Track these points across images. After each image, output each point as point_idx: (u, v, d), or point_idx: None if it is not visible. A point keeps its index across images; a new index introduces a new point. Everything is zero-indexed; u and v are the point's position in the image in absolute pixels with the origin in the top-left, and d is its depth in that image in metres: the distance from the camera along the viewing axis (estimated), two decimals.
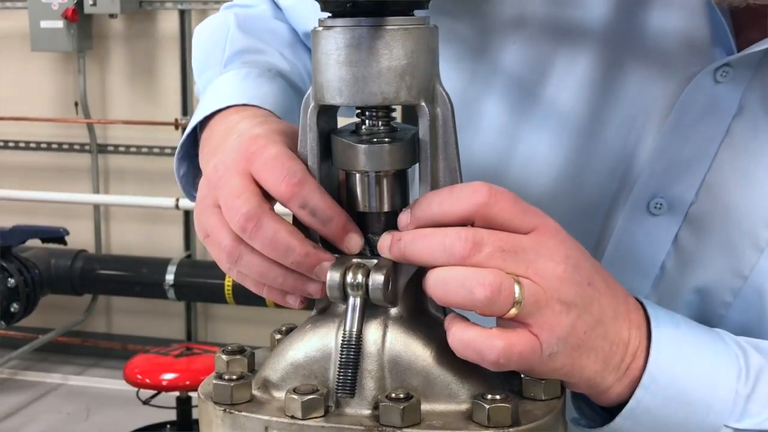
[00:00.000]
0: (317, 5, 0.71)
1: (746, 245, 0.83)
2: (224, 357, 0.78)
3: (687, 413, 0.75)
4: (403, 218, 0.73)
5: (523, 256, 0.69)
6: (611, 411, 0.78)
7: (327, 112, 0.76)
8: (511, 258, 0.69)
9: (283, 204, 0.75)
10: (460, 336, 0.69)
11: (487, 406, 0.68)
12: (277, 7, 1.14)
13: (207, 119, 0.94)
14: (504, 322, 0.70)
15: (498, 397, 0.69)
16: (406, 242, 0.71)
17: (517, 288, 0.68)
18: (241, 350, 0.79)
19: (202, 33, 1.12)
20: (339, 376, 0.70)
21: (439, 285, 0.69)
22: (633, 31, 0.87)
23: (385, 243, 0.73)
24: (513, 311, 0.68)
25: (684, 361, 0.75)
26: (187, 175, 1.01)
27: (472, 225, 0.70)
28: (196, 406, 3.80)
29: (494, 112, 0.93)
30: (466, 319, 0.71)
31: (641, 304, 0.78)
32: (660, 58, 0.86)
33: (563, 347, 0.70)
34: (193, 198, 1.02)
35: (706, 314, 0.86)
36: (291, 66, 1.05)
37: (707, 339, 0.78)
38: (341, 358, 0.70)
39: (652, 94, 0.86)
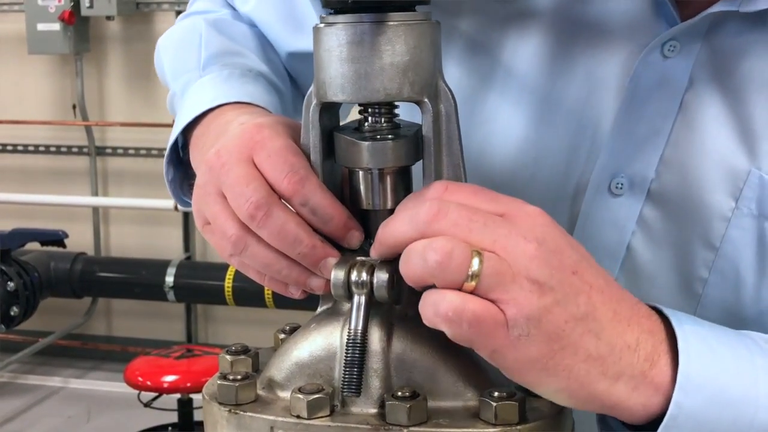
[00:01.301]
0: (278, 10, 0.70)
1: (712, 216, 0.83)
2: (228, 357, 0.77)
3: (734, 414, 0.69)
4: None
5: (492, 228, 0.65)
6: (648, 428, 0.71)
7: (329, 109, 0.76)
8: (478, 229, 0.65)
9: (284, 199, 0.75)
10: (424, 298, 0.66)
11: (494, 404, 0.68)
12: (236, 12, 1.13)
13: (195, 121, 0.93)
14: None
15: (505, 394, 0.68)
16: (381, 229, 0.70)
17: (476, 260, 0.64)
18: (245, 350, 0.78)
19: (170, 39, 1.09)
20: (345, 375, 0.70)
21: (403, 261, 0.66)
22: (579, 10, 0.87)
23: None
24: (471, 283, 0.64)
25: (716, 357, 0.70)
26: (175, 179, 1.00)
27: None
28: (198, 407, 3.82)
29: (456, 76, 0.91)
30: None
31: (656, 311, 0.72)
32: (606, 36, 0.86)
33: (536, 332, 0.64)
34: (182, 202, 1.01)
35: (685, 294, 0.84)
36: (265, 68, 1.04)
37: (733, 336, 0.73)
38: (347, 356, 0.70)
39: (603, 72, 0.86)
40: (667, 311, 0.72)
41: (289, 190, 0.73)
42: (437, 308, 0.65)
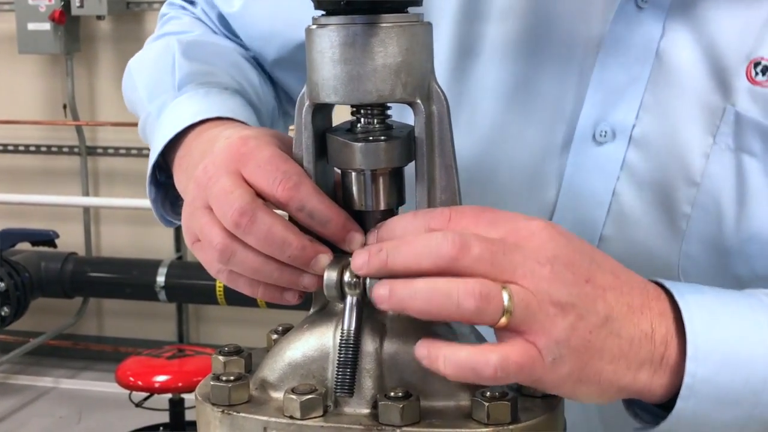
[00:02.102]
0: (268, 7, 0.70)
1: (693, 154, 0.86)
2: (221, 358, 0.77)
3: (746, 373, 0.72)
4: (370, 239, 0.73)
5: (510, 258, 0.67)
6: (668, 406, 0.74)
7: (322, 111, 0.76)
8: (500, 260, 0.67)
9: (279, 207, 0.74)
10: (454, 359, 0.66)
11: (486, 404, 0.68)
12: (213, 21, 1.13)
13: (174, 143, 0.92)
14: (500, 333, 0.68)
15: (497, 394, 0.69)
16: (389, 251, 0.68)
17: (505, 295, 0.66)
18: (237, 351, 0.78)
19: (143, 61, 1.09)
20: (338, 375, 0.70)
21: (420, 298, 0.66)
22: None
23: (360, 260, 0.70)
24: (503, 320, 0.66)
25: (721, 323, 0.73)
26: (156, 199, 0.99)
27: None
28: (189, 408, 3.81)
29: (445, 38, 0.94)
30: (447, 337, 0.71)
31: (661, 286, 0.75)
32: None
33: (566, 351, 0.67)
34: (166, 222, 1.01)
35: (670, 231, 0.88)
36: (240, 86, 1.03)
37: (736, 297, 0.76)
38: (340, 357, 0.70)
39: (582, 27, 0.90)
40: (668, 285, 0.74)
41: (285, 196, 0.73)
42: (480, 374, 0.66)
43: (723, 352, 0.72)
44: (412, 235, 0.69)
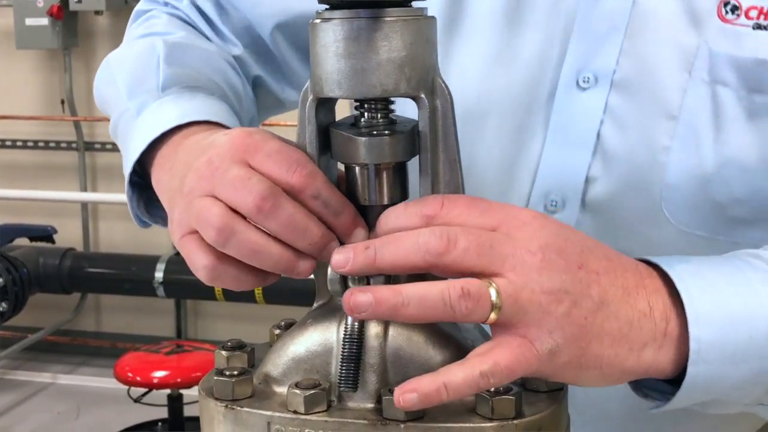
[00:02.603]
0: None
1: (670, 91, 0.91)
2: (224, 353, 0.77)
3: (748, 330, 0.73)
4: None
5: (499, 250, 0.67)
6: (678, 380, 0.74)
7: (325, 105, 0.76)
8: (486, 253, 0.67)
9: (293, 195, 0.73)
10: (449, 380, 0.66)
11: (491, 399, 0.68)
12: (200, 16, 1.12)
13: (156, 143, 0.91)
14: (494, 329, 0.69)
15: (501, 389, 0.69)
16: (376, 248, 0.68)
17: (492, 291, 0.66)
18: (240, 346, 0.78)
19: (124, 57, 1.06)
20: (342, 370, 0.70)
21: (413, 305, 0.66)
22: None
23: (342, 257, 0.69)
24: (493, 316, 0.67)
25: (714, 286, 0.74)
26: (132, 198, 0.98)
27: None
28: (188, 403, 3.81)
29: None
30: (452, 331, 0.71)
31: (650, 264, 0.76)
32: None
33: (562, 340, 0.68)
34: (141, 222, 1.01)
35: (651, 165, 0.91)
36: (223, 92, 1.03)
37: (722, 261, 0.78)
38: (344, 351, 0.70)
39: None
40: (656, 260, 0.75)
41: (300, 182, 0.72)
42: (480, 387, 0.67)
43: (723, 313, 0.73)
44: (405, 225, 0.70)
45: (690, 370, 0.72)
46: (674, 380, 0.74)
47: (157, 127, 0.91)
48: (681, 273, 0.74)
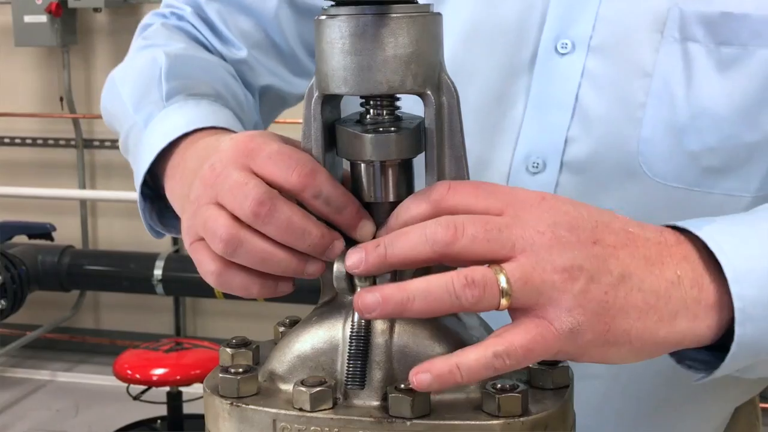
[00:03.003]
0: None
1: (644, 51, 0.94)
2: (229, 350, 0.77)
3: None
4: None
5: (507, 233, 0.67)
6: (722, 346, 0.73)
7: (331, 102, 0.75)
8: (495, 237, 0.67)
9: (294, 195, 0.74)
10: (461, 361, 0.66)
11: (497, 396, 0.68)
12: (207, 21, 1.13)
13: (164, 154, 0.92)
14: (512, 314, 0.68)
15: (508, 386, 0.68)
16: (386, 244, 0.68)
17: (501, 277, 0.66)
18: (245, 343, 0.78)
19: (128, 71, 1.08)
20: (348, 367, 0.70)
21: (419, 299, 0.66)
22: None
23: (356, 258, 0.69)
24: (504, 302, 0.66)
25: (746, 242, 0.73)
26: (145, 210, 0.98)
27: None
28: (187, 401, 3.81)
29: None
30: (456, 327, 0.71)
31: (676, 228, 0.74)
32: None
33: (583, 318, 0.66)
34: (156, 233, 1.01)
35: (628, 122, 0.94)
36: (226, 101, 1.03)
37: (745, 216, 0.79)
38: (350, 349, 0.70)
39: None
40: (681, 225, 0.74)
41: (301, 182, 0.72)
42: (497, 369, 0.66)
43: (760, 266, 0.72)
44: (414, 214, 0.70)
45: (738, 330, 0.71)
46: (716, 347, 0.73)
47: (166, 136, 0.92)
48: (711, 234, 0.72)
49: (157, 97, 0.99)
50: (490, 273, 0.66)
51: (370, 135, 0.72)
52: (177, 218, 0.90)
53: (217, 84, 1.05)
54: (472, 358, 0.66)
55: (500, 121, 0.98)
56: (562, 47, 0.96)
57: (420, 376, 0.66)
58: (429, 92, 0.72)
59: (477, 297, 0.65)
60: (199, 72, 1.05)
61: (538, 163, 0.96)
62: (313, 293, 0.79)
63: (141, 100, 1.01)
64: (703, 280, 0.71)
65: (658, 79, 0.93)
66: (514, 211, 0.68)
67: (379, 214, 0.75)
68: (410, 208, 0.71)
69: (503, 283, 0.66)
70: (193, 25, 1.14)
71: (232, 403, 0.72)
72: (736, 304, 0.70)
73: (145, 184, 0.96)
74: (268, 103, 1.17)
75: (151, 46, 1.10)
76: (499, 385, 0.69)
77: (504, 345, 0.66)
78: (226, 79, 1.08)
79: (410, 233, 0.68)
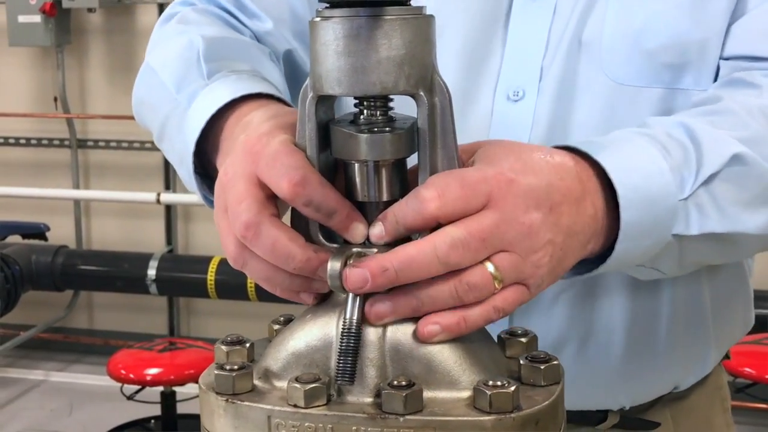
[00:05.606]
0: None
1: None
2: (224, 348, 0.78)
3: (654, 212, 0.84)
4: (376, 231, 0.75)
5: (498, 235, 0.73)
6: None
7: (325, 102, 0.76)
8: (490, 241, 0.73)
9: (287, 202, 0.75)
10: (467, 314, 0.74)
11: (489, 392, 0.69)
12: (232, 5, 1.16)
13: (208, 131, 0.93)
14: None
15: (499, 383, 0.69)
16: (396, 269, 0.72)
17: (490, 266, 0.73)
18: (240, 341, 0.79)
19: (166, 58, 1.08)
20: (339, 363, 0.71)
21: (427, 304, 0.73)
22: None
23: (360, 279, 0.72)
24: (497, 286, 0.74)
25: (635, 170, 0.83)
26: (197, 184, 0.98)
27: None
28: (181, 400, 3.80)
29: None
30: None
31: (575, 151, 0.83)
32: None
33: (548, 276, 0.77)
34: (211, 203, 1.01)
35: (590, 37, 1.03)
36: (262, 77, 1.03)
37: (617, 135, 0.89)
38: (341, 345, 0.71)
39: None
40: (583, 148, 0.83)
41: (290, 192, 0.74)
42: (490, 318, 0.75)
43: (640, 198, 0.83)
44: (414, 249, 0.73)
45: (618, 247, 0.83)
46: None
47: (210, 110, 0.93)
48: (608, 162, 0.82)
49: (198, 76, 1.01)
50: (482, 268, 0.74)
51: (365, 135, 0.73)
52: None
53: (255, 62, 1.07)
54: (477, 312, 0.74)
55: (482, 61, 1.07)
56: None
57: (430, 327, 0.73)
58: (422, 93, 0.73)
59: (478, 296, 0.73)
60: (236, 52, 1.08)
61: (518, 92, 1.05)
62: None
63: (182, 81, 1.02)
64: (602, 208, 0.82)
65: None
66: (495, 204, 0.74)
67: (372, 212, 0.76)
68: (407, 218, 0.74)
69: (492, 270, 0.74)
70: (220, 6, 1.17)
71: (227, 400, 0.72)
72: (623, 226, 0.82)
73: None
74: (290, 68, 1.18)
75: (186, 29, 1.12)
76: (490, 382, 0.70)
77: (500, 301, 0.75)
78: (262, 58, 1.10)
79: (421, 257, 0.72)
